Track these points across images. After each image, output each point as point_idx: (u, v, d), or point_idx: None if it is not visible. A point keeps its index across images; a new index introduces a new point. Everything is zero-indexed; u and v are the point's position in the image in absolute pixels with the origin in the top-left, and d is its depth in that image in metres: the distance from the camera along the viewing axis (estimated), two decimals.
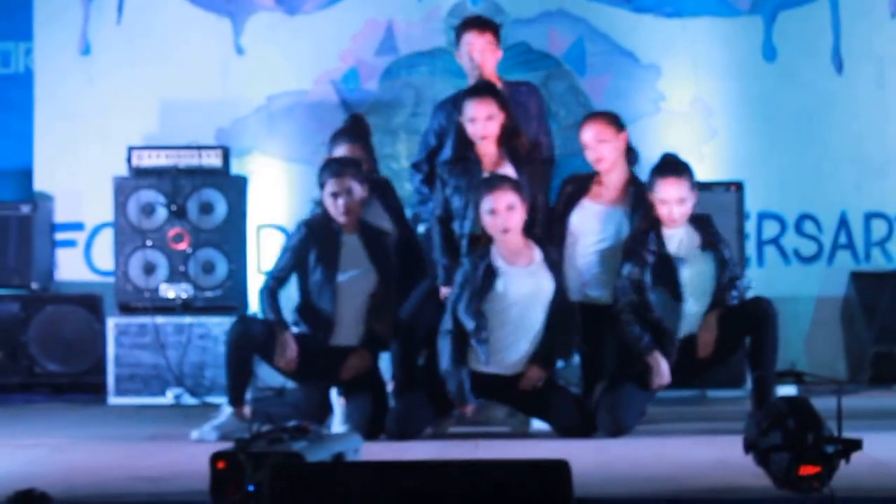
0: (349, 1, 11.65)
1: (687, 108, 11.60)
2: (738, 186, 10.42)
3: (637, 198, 8.28)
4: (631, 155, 8.52)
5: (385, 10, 11.64)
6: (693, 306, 7.96)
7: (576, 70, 11.62)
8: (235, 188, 10.55)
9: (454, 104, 8.67)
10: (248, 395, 8.23)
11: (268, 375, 8.65)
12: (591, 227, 8.34)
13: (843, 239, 11.57)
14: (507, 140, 8.33)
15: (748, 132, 11.51)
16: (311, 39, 11.67)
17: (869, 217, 11.57)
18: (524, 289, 7.82)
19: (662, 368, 7.83)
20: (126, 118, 11.34)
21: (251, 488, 5.21)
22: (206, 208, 10.44)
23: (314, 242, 8.05)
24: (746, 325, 7.97)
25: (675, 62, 11.64)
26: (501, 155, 8.32)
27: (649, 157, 9.57)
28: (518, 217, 7.80)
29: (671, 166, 8.13)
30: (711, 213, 9.71)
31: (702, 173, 10.65)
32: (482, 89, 8.46)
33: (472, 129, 8.27)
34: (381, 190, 8.93)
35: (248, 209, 10.68)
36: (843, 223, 11.57)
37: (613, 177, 8.41)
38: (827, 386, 9.53)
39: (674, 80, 11.62)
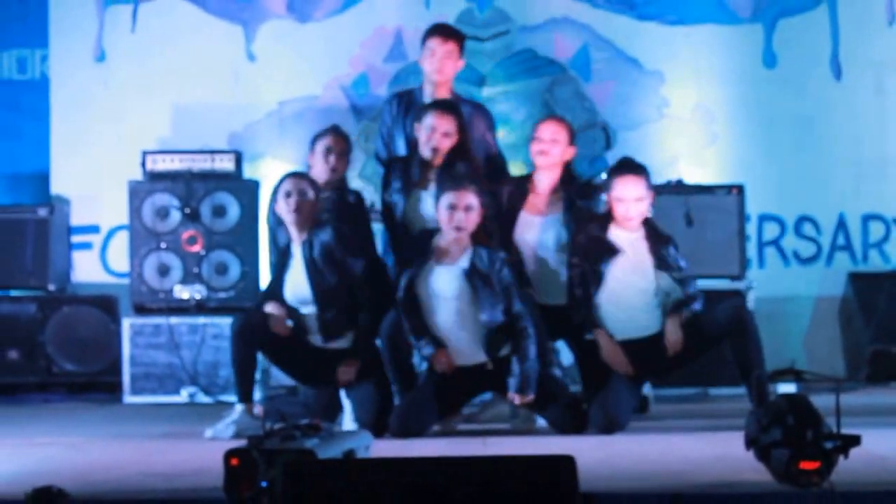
0: (359, 9, 11.67)
1: (689, 114, 11.61)
2: (739, 189, 10.41)
3: (571, 204, 8.32)
4: (567, 172, 8.50)
5: (394, 18, 11.66)
6: (621, 313, 8.01)
7: (581, 76, 11.63)
8: (248, 191, 10.56)
9: (405, 106, 8.78)
10: (261, 395, 8.25)
11: (280, 376, 8.66)
12: (532, 238, 8.39)
13: (841, 240, 11.59)
14: (454, 157, 8.33)
15: (749, 137, 11.52)
16: (322, 46, 11.69)
17: (866, 219, 11.58)
18: (446, 287, 7.88)
19: (606, 343, 7.92)
20: (140, 123, 11.35)
21: (264, 485, 5.20)
22: (220, 211, 10.46)
23: None
24: (724, 331, 7.95)
25: (677, 69, 11.65)
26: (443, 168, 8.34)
27: (653, 160, 9.64)
28: (473, 219, 7.85)
29: (629, 166, 8.14)
30: (713, 215, 9.80)
31: (704, 177, 10.75)
32: (447, 106, 8.50)
33: (426, 138, 8.31)
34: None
35: (260, 212, 10.64)
36: (842, 225, 11.59)
37: (545, 180, 8.42)
38: (825, 384, 9.45)
39: (676, 86, 11.63)
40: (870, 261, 11.53)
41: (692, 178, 10.68)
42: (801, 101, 11.56)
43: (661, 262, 7.95)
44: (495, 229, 8.25)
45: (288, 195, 8.08)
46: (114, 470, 6.41)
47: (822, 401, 5.68)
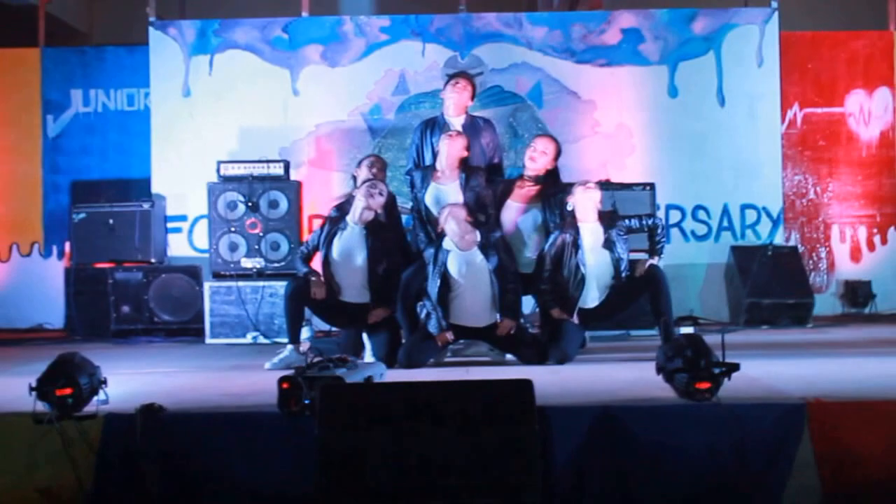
0: (373, 57, 11.65)
1: (614, 131, 11.58)
2: (651, 186, 10.37)
3: (551, 197, 8.24)
4: (552, 177, 8.36)
5: (399, 63, 11.63)
6: (593, 288, 7.92)
7: (536, 104, 11.60)
8: (293, 190, 10.49)
9: (430, 127, 8.64)
10: (307, 336, 8.25)
11: (319, 322, 8.64)
12: (511, 219, 8.27)
13: (725, 223, 11.56)
14: (463, 166, 8.28)
15: (658, 148, 11.48)
16: (347, 84, 11.65)
17: (744, 208, 11.53)
18: (465, 266, 7.78)
19: (559, 314, 7.87)
20: (216, 141, 11.31)
21: (307, 402, 5.25)
22: (273, 204, 10.40)
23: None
24: (644, 287, 7.90)
25: (605, 98, 11.61)
26: (457, 175, 8.25)
27: (588, 165, 9.64)
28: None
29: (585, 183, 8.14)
30: (632, 205, 9.75)
31: (625, 177, 10.71)
32: (457, 133, 8.44)
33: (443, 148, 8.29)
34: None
35: (303, 204, 10.69)
36: (726, 212, 11.56)
37: (529, 180, 8.28)
38: (715, 326, 9.56)
39: (605, 111, 11.59)
40: (746, 237, 11.49)
41: (617, 178, 10.62)
42: (695, 122, 11.53)
43: (608, 243, 7.93)
44: (492, 214, 8.23)
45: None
46: (198, 391, 6.42)
47: (711, 339, 5.69)
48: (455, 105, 8.62)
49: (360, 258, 7.98)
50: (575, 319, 7.89)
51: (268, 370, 7.54)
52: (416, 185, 8.43)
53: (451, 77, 8.85)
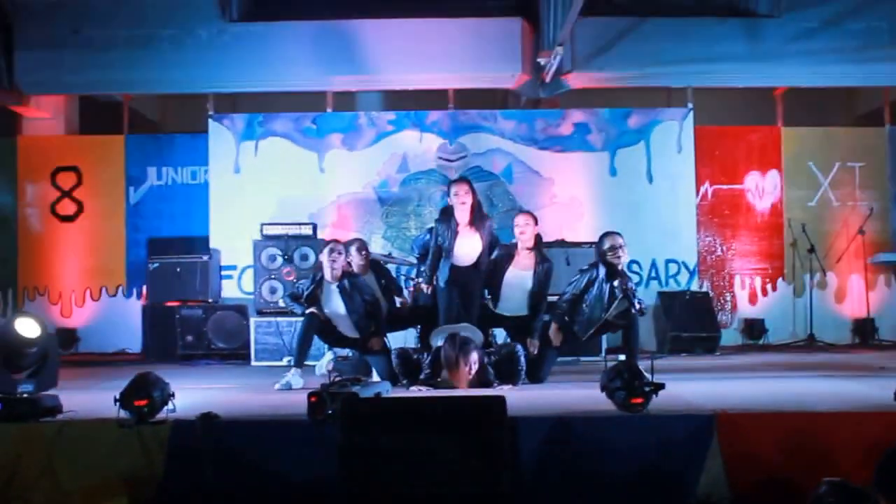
0: (381, 143, 11.72)
1: (568, 202, 11.63)
2: (596, 244, 10.32)
3: (541, 264, 7.94)
4: (537, 241, 8.07)
5: (402, 147, 11.69)
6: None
7: (507, 181, 11.65)
8: (319, 246, 10.47)
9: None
10: (330, 359, 8.18)
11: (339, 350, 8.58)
12: (518, 283, 7.94)
13: (653, 274, 11.59)
14: (475, 213, 7.95)
15: (601, 215, 11.48)
16: (361, 164, 11.70)
17: (667, 262, 11.57)
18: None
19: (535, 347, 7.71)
20: (260, 207, 11.32)
21: (330, 412, 5.24)
22: (304, 257, 10.37)
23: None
24: (622, 326, 7.72)
25: (562, 176, 11.65)
26: (471, 221, 7.91)
27: (546, 229, 9.59)
28: None
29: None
30: (581, 259, 9.73)
31: (576, 237, 10.73)
32: (463, 178, 8.29)
33: (456, 200, 7.89)
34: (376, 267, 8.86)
35: None
36: (653, 265, 11.59)
37: (524, 249, 7.94)
38: (645, 354, 9.55)
39: (561, 186, 11.64)
40: (669, 285, 11.54)
41: (570, 238, 10.61)
42: (630, 195, 11.58)
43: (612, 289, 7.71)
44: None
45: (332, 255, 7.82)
46: (245, 402, 6.41)
47: (643, 364, 5.70)
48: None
49: (342, 309, 7.76)
50: (555, 342, 7.69)
51: (296, 386, 7.34)
52: (437, 231, 8.04)
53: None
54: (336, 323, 7.79)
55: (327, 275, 7.82)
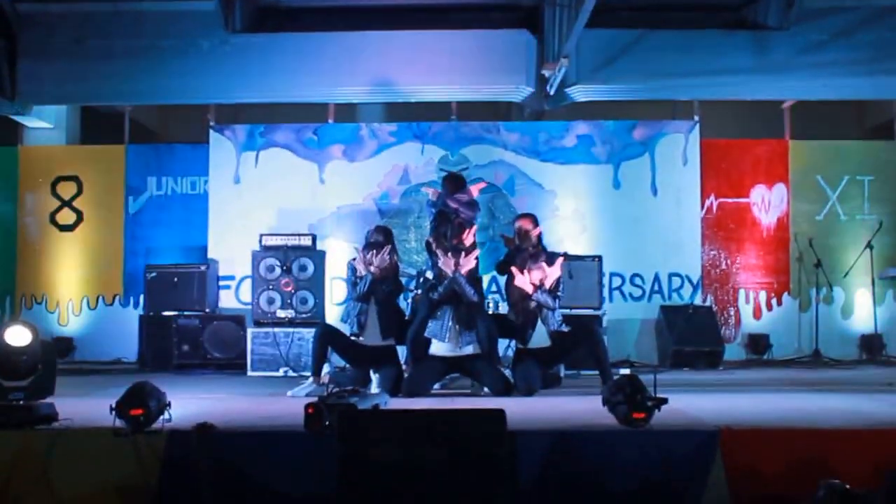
0: (382, 155, 11.73)
1: (571, 215, 11.64)
2: (599, 258, 10.40)
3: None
4: (538, 242, 8.37)
5: (403, 159, 11.71)
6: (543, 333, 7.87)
7: (509, 193, 11.67)
8: (319, 257, 10.49)
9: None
10: (328, 370, 8.19)
11: (337, 359, 8.58)
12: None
13: (656, 287, 11.58)
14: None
15: (604, 228, 11.53)
16: (362, 175, 11.72)
17: (671, 275, 11.58)
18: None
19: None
20: (259, 218, 11.37)
21: (328, 423, 5.20)
22: (303, 268, 10.39)
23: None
24: (580, 339, 7.84)
25: (564, 189, 11.67)
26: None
27: (548, 242, 9.61)
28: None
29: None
30: (584, 272, 9.79)
31: (578, 250, 10.75)
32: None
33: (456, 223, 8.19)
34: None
35: (326, 268, 10.65)
36: (656, 279, 11.58)
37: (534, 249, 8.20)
38: (647, 369, 9.53)
39: (563, 199, 11.65)
40: (672, 299, 11.53)
41: (572, 251, 10.63)
42: (634, 208, 11.59)
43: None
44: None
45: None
46: (242, 413, 6.36)
47: (645, 378, 5.65)
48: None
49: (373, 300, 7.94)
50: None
51: (290, 397, 7.46)
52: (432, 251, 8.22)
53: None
54: (366, 323, 7.91)
55: (374, 272, 7.95)
